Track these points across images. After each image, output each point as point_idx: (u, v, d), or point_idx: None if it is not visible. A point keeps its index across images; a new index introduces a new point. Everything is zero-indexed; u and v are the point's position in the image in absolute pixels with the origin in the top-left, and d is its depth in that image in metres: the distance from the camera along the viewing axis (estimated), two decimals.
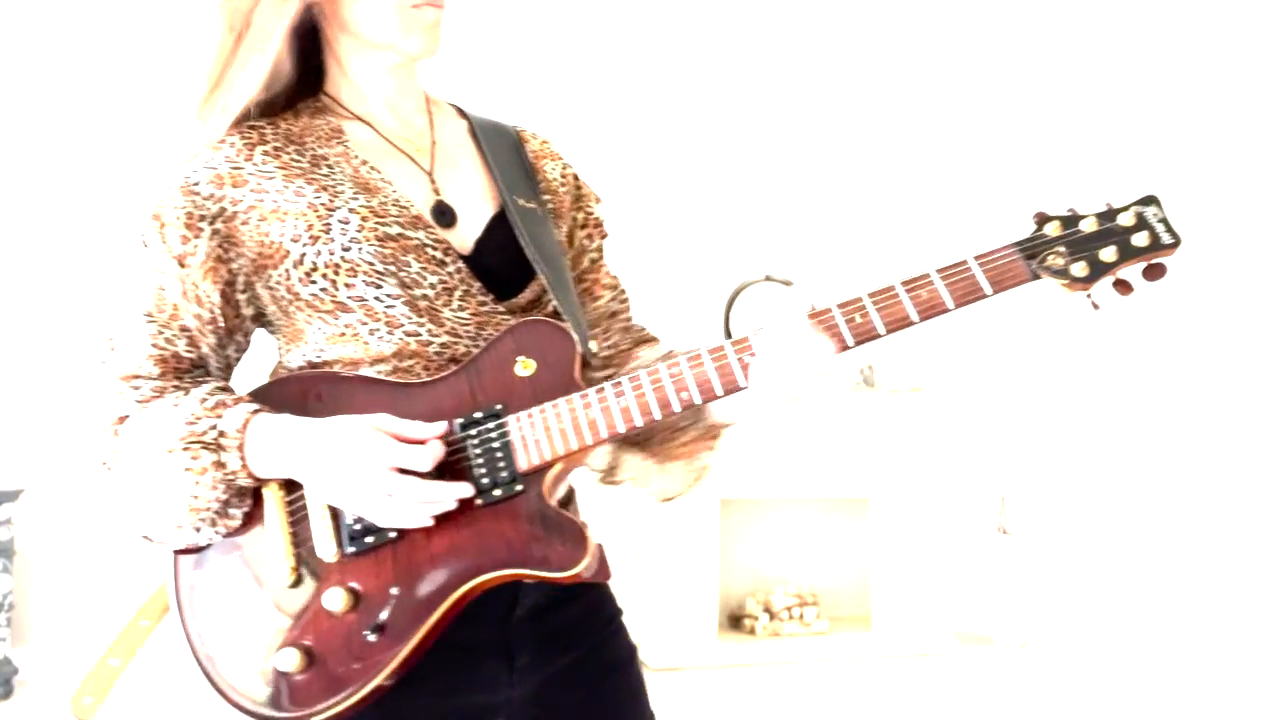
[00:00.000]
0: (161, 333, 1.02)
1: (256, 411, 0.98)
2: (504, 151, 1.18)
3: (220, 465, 0.96)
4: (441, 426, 0.97)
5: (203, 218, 1.03)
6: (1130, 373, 3.79)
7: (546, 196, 1.19)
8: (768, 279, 3.67)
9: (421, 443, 0.95)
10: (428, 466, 0.94)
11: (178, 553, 1.03)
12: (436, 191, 1.10)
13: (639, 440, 1.10)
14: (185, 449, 0.95)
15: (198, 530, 0.99)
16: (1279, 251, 3.85)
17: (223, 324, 1.04)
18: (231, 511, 0.99)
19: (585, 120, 3.47)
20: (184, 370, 1.04)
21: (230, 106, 1.06)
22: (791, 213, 3.79)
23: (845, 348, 0.96)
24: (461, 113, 1.21)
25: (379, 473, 0.93)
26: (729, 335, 3.81)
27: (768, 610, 3.46)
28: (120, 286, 1.06)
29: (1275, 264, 3.83)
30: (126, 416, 0.99)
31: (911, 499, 3.50)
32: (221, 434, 0.96)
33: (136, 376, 1.01)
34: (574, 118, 3.44)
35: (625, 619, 1.19)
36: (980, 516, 3.73)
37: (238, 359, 1.09)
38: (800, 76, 3.82)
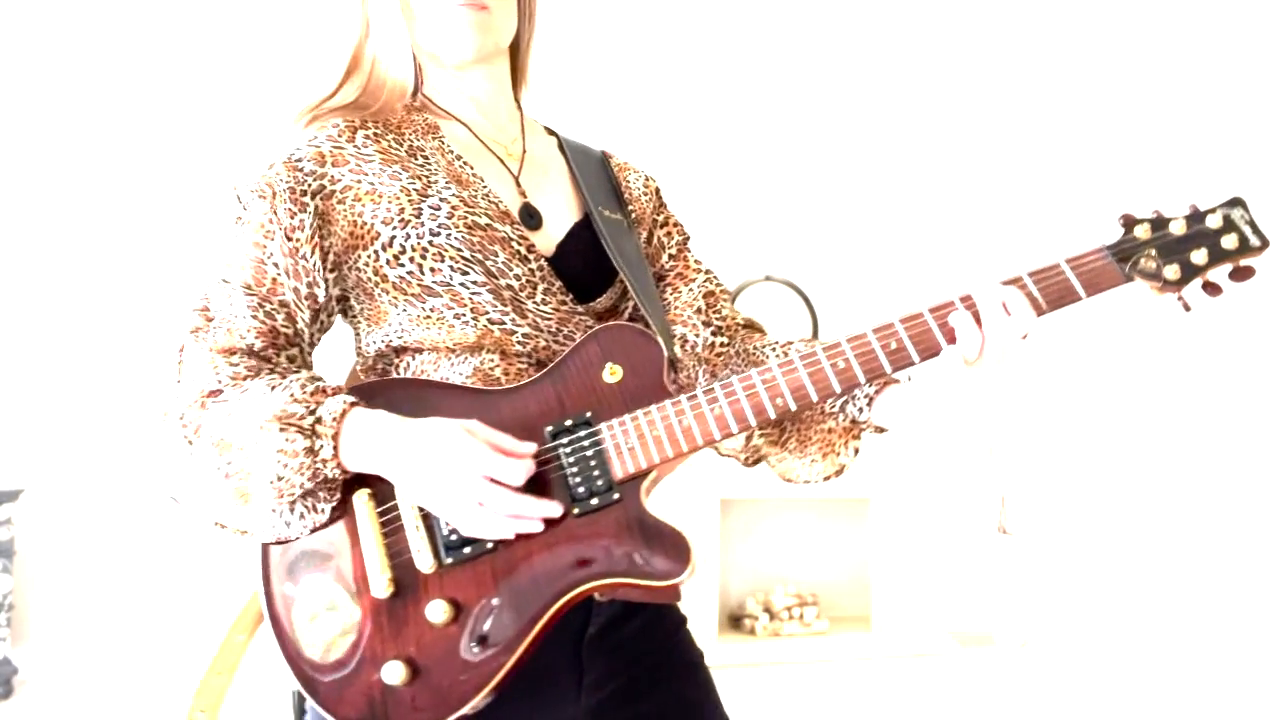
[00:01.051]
0: (262, 306, 1.02)
1: (354, 404, 0.96)
2: (590, 166, 1.22)
3: (312, 452, 0.94)
4: (532, 447, 0.96)
5: (304, 192, 1.04)
6: (1130, 372, 3.79)
7: (631, 207, 1.23)
8: (768, 279, 3.67)
9: (515, 456, 0.94)
10: (519, 481, 0.93)
11: (267, 551, 1.00)
12: (523, 194, 1.13)
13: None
14: (281, 430, 0.93)
15: (286, 522, 0.97)
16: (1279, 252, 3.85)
17: (320, 299, 1.05)
18: (319, 507, 0.97)
19: (585, 121, 3.47)
20: (280, 346, 1.03)
21: (347, 109, 1.11)
22: (791, 213, 3.79)
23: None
24: (551, 131, 1.27)
25: (471, 479, 0.92)
26: None
27: (768, 610, 3.46)
28: (216, 259, 1.05)
29: (1275, 264, 3.83)
30: (219, 392, 0.97)
31: (911, 499, 3.50)
32: (318, 420, 0.94)
33: (234, 351, 1.01)
34: (574, 118, 3.44)
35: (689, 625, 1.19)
36: (980, 516, 3.73)
37: (319, 340, 1.10)
38: (800, 76, 3.82)
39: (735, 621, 3.52)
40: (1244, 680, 2.98)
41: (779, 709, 2.80)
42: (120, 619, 3.17)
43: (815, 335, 3.64)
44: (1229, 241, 0.96)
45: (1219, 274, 0.98)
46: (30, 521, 3.11)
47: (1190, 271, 0.97)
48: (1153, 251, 0.97)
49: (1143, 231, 0.98)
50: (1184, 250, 0.97)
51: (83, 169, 3.28)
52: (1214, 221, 0.97)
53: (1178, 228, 0.98)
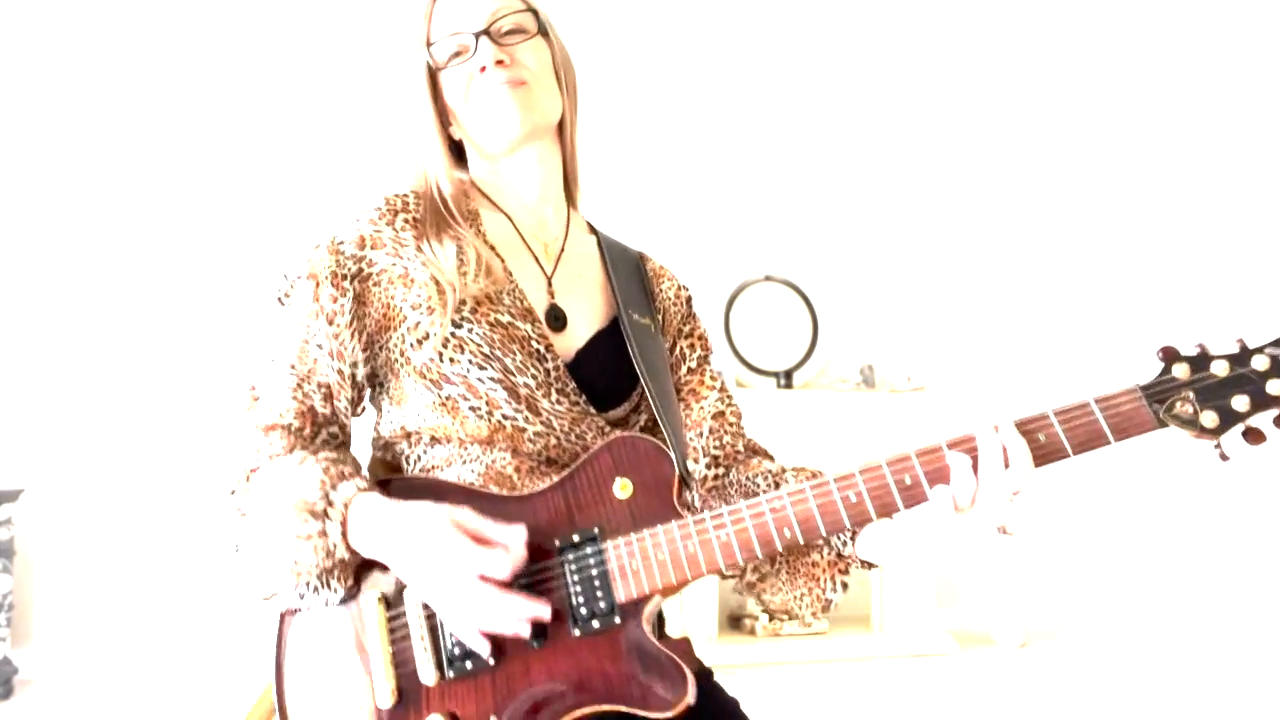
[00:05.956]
0: (301, 386, 1.05)
1: (364, 490, 0.99)
2: (626, 268, 1.22)
3: (323, 534, 0.97)
4: (521, 531, 0.95)
5: (344, 276, 1.08)
6: (1130, 371, 3.79)
7: (660, 315, 1.23)
8: (768, 279, 3.67)
9: (502, 546, 0.94)
10: (505, 574, 0.93)
11: (281, 648, 1.02)
12: (551, 295, 1.14)
13: None
14: (298, 513, 0.97)
15: (300, 595, 0.99)
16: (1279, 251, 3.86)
17: (359, 378, 1.09)
18: (333, 585, 0.99)
19: (585, 120, 3.47)
20: (319, 424, 1.07)
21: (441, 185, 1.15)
22: (791, 213, 3.79)
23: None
24: (592, 229, 1.26)
25: (464, 579, 0.93)
26: (729, 335, 3.79)
27: (767, 610, 3.46)
28: (264, 338, 1.10)
29: (1276, 264, 3.84)
30: (258, 469, 1.01)
31: None
32: (330, 504, 0.97)
33: (275, 428, 1.04)
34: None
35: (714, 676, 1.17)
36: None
37: (359, 414, 1.13)
38: (800, 76, 3.82)
39: (735, 621, 3.52)
40: (1244, 680, 2.98)
41: (779, 709, 2.80)
42: (120, 619, 3.17)
43: (814, 335, 3.64)
44: (1275, 387, 0.88)
45: (1263, 419, 0.90)
46: (30, 521, 3.11)
47: (1230, 419, 0.90)
48: (1190, 394, 0.91)
49: (1181, 371, 0.92)
50: (1224, 395, 0.90)
51: (83, 171, 3.28)
52: (1260, 363, 0.90)
53: (1220, 368, 0.91)
